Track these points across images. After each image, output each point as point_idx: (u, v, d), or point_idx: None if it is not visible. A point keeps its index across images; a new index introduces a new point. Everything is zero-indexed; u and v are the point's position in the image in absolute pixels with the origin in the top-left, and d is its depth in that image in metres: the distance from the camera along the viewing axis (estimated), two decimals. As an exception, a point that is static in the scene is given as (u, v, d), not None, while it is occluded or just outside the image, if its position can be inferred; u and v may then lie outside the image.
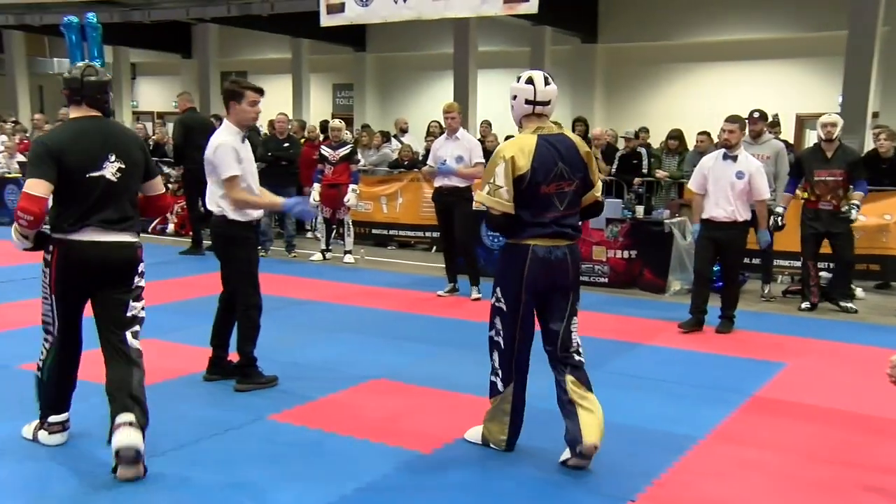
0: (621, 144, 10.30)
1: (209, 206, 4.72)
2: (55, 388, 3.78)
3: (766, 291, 7.73)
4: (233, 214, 4.60)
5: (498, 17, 11.65)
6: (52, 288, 3.63)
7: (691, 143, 9.48)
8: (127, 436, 3.39)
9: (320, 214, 9.72)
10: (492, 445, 3.88)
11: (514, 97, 3.76)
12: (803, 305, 7.27)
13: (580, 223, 3.88)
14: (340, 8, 11.76)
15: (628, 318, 6.84)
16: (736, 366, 5.48)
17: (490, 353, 3.87)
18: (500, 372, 3.81)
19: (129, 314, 3.65)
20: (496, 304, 3.81)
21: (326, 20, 12.00)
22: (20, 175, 11.96)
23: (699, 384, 5.03)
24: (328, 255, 9.58)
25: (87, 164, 3.54)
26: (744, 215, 6.26)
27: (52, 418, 3.81)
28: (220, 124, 4.86)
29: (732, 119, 6.30)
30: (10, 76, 18.42)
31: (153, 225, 11.55)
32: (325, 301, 7.29)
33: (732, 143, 6.26)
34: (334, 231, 9.84)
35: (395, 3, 11.35)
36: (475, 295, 7.42)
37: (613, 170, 9.69)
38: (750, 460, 3.86)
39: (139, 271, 3.69)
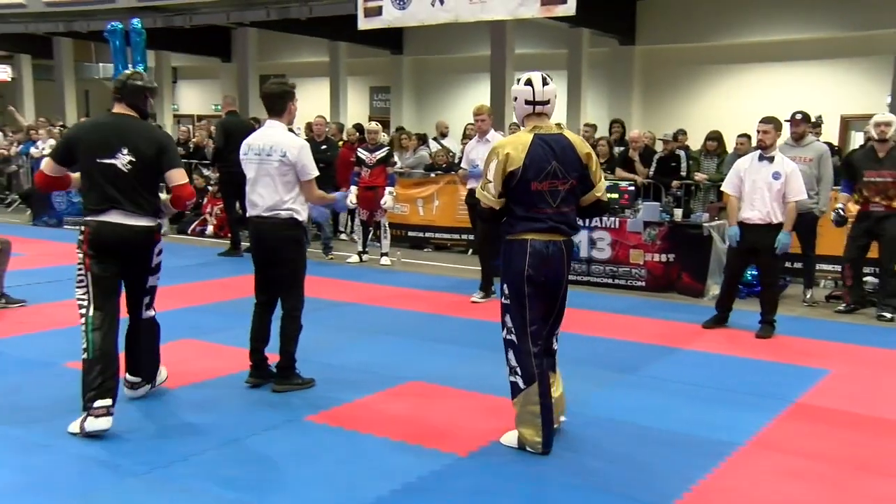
0: (659, 147, 10.18)
1: (277, 209, 4.58)
2: (99, 364, 3.93)
3: (808, 296, 7.59)
4: (303, 215, 4.69)
5: (535, 19, 11.60)
6: (86, 266, 4.10)
7: (731, 146, 9.34)
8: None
9: (357, 217, 9.80)
10: (528, 449, 3.87)
11: (515, 99, 3.93)
12: (840, 307, 7.22)
13: (577, 220, 4.00)
14: (378, 11, 11.83)
15: (666, 322, 6.77)
16: (777, 371, 5.39)
17: (506, 354, 3.91)
18: (518, 370, 3.85)
19: (148, 286, 4.34)
20: (504, 301, 3.89)
21: (364, 23, 12.08)
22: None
23: (739, 389, 4.95)
24: (364, 257, 9.63)
25: (97, 150, 4.05)
26: (779, 217, 6.17)
27: (98, 403, 3.91)
28: (260, 126, 4.92)
29: (766, 120, 6.25)
30: (59, 82, 18.87)
31: (192, 227, 11.74)
32: (362, 303, 7.34)
33: (767, 144, 6.20)
34: (371, 233, 9.90)
35: (432, 5, 11.38)
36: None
37: (651, 172, 9.59)
38: (792, 468, 3.79)
39: (157, 250, 4.29)
